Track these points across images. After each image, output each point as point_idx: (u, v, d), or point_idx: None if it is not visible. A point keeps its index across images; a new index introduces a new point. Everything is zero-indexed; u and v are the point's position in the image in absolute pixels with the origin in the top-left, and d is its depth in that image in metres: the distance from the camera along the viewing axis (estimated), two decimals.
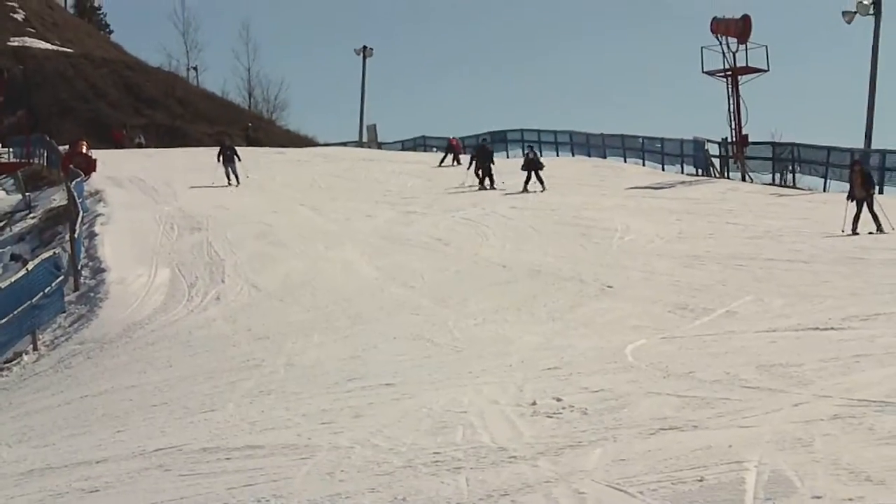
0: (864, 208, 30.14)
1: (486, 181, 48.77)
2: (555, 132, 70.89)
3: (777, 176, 50.23)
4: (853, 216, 30.02)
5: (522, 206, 42.45)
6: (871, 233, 29.94)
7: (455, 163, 56.83)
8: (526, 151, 51.17)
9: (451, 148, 56.95)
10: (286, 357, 19.02)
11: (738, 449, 9.42)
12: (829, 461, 8.80)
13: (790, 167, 50.13)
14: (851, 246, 28.08)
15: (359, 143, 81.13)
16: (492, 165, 49.74)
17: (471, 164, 50.54)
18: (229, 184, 50.19)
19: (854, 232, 29.96)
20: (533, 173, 47.67)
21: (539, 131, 72.60)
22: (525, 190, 47.03)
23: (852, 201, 30.81)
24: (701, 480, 8.69)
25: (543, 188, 46.99)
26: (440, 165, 55.96)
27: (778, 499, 8.06)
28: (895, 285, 20.57)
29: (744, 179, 51.44)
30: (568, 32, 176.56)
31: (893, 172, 46.13)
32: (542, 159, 50.66)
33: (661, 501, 8.33)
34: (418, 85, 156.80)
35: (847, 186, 33.03)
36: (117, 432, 14.72)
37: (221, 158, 51.61)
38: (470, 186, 46.94)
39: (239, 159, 51.85)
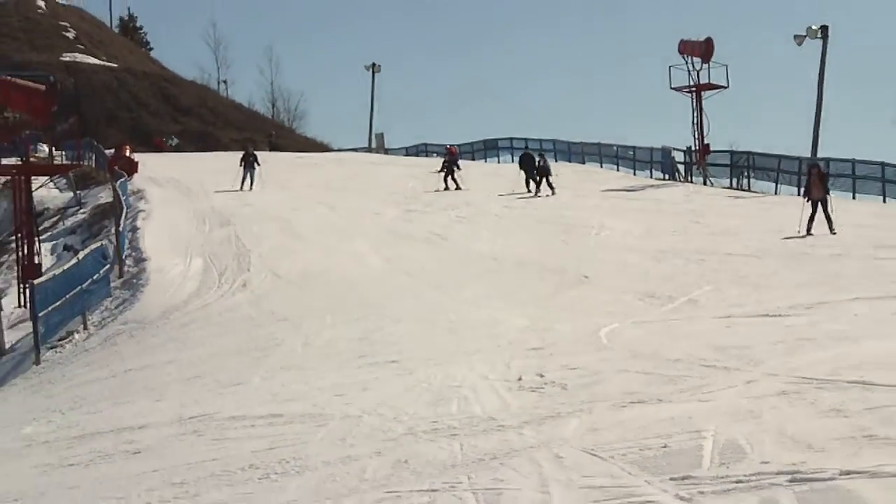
0: (819, 210, 29.57)
1: (532, 185, 46.41)
2: (540, 140, 70.64)
3: (734, 180, 50.20)
4: (808, 217, 29.42)
5: (511, 205, 42.39)
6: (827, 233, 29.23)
7: (454, 170, 55.32)
8: (537, 159, 48.46)
9: (450, 154, 56.27)
10: (304, 337, 19.01)
11: (697, 420, 9.48)
12: (776, 431, 8.85)
13: (746, 173, 50.13)
14: (799, 243, 28.07)
15: (368, 149, 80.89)
16: (535, 171, 47.07)
17: (442, 168, 49.45)
18: (242, 189, 47.67)
19: (808, 233, 29.26)
20: (544, 179, 45.72)
21: (526, 139, 72.37)
22: (536, 194, 45.45)
23: (808, 202, 30.21)
24: (665, 447, 8.75)
25: (553, 192, 45.16)
26: (441, 171, 54.93)
27: (731, 463, 8.11)
28: (835, 278, 20.60)
29: (705, 183, 51.43)
30: (555, 57, 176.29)
31: (837, 178, 46.15)
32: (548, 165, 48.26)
33: (629, 465, 8.38)
34: (420, 97, 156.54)
35: (803, 188, 32.56)
36: (157, 402, 14.75)
37: (243, 164, 49.36)
38: (465, 189, 46.37)
39: (258, 165, 49.71)
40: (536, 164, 46.59)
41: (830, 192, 30.48)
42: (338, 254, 31.20)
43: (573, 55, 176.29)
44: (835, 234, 28.91)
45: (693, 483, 7.74)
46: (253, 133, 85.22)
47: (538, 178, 45.97)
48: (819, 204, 29.36)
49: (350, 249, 31.92)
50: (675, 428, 9.31)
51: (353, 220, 38.77)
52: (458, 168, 50.41)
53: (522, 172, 47.56)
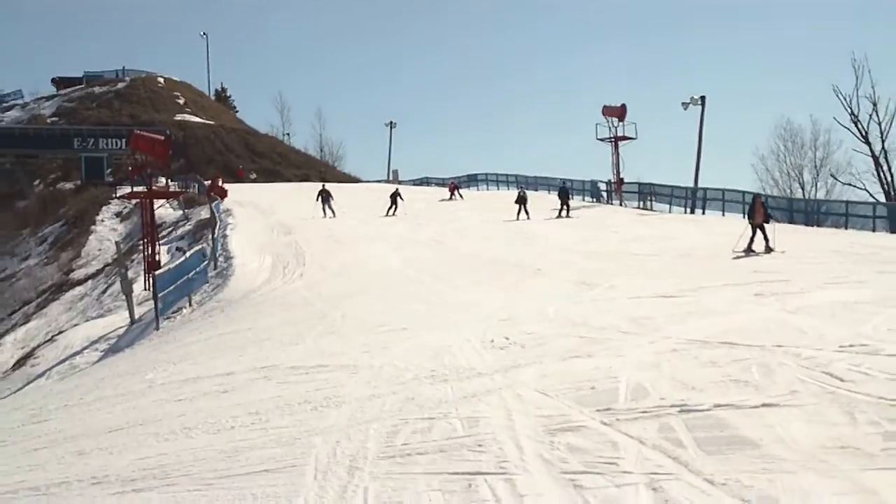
0: (759, 233, 26.02)
1: (563, 211, 42.97)
2: (506, 174, 70.68)
3: (641, 203, 50.04)
4: (749, 238, 25.90)
5: (486, 220, 42.35)
6: (763, 251, 25.56)
7: (456, 196, 55.51)
8: (518, 190, 47.86)
9: (450, 187, 56.95)
10: (342, 311, 18.95)
11: (615, 370, 9.45)
12: (670, 377, 8.83)
13: (649, 197, 50.07)
14: (685, 247, 28.04)
15: (387, 181, 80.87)
16: (569, 201, 44.15)
17: (391, 205, 46.86)
18: (325, 216, 44.52)
19: (750, 251, 25.35)
20: (522, 207, 42.83)
21: (497, 174, 72.44)
22: (517, 218, 42.05)
23: (750, 224, 26.45)
24: (593, 388, 8.73)
25: (528, 218, 41.88)
26: (450, 198, 55.10)
27: (638, 399, 8.10)
28: (711, 271, 20.58)
29: (621, 205, 51.33)
30: (521, 116, 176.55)
31: (710, 201, 46.30)
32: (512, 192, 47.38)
33: (567, 401, 8.36)
34: (424, 142, 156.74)
35: (747, 213, 28.16)
36: (239, 356, 14.71)
37: (320, 198, 45.91)
38: (444, 199, 46.02)
39: (333, 199, 46.16)
40: (518, 194, 44.90)
41: (770, 218, 26.93)
42: (366, 254, 31.26)
43: (531, 115, 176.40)
44: (772, 250, 25.28)
45: (612, 413, 7.72)
46: (308, 170, 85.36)
47: (518, 206, 43.22)
48: (758, 228, 26.11)
49: (374, 251, 31.98)
50: (600, 375, 9.28)
51: (377, 230, 38.87)
52: (460, 194, 53.10)
53: (559, 200, 44.16)
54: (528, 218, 41.88)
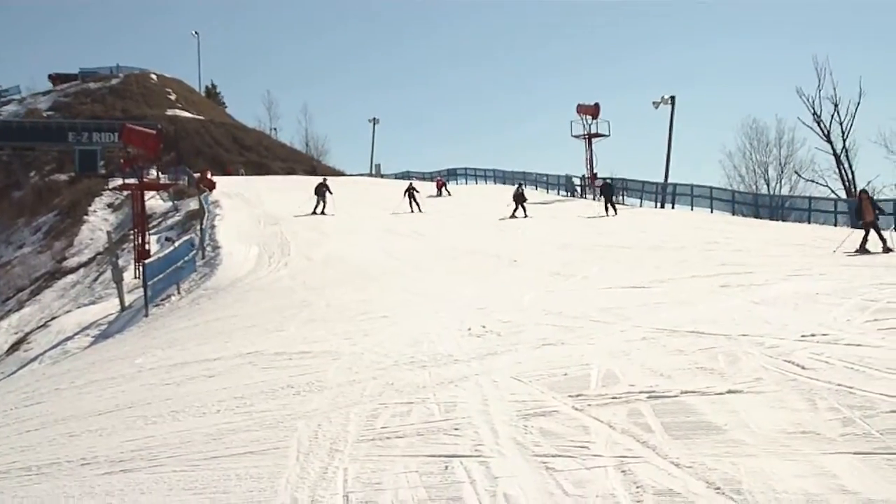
0: (871, 230, 22.91)
1: (610, 210, 40.18)
2: (485, 169, 70.71)
3: (614, 197, 50.18)
4: (862, 237, 22.65)
5: (465, 213, 42.40)
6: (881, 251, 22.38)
7: (444, 193, 53.94)
8: (517, 186, 44.81)
9: (437, 183, 55.73)
10: (326, 300, 18.94)
11: (587, 357, 9.45)
12: (639, 364, 8.84)
13: (621, 192, 50.17)
14: (656, 240, 28.12)
15: (370, 174, 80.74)
16: (614, 197, 41.91)
17: (404, 193, 45.03)
18: (315, 212, 41.93)
19: (863, 250, 22.07)
20: (520, 205, 40.15)
21: (475, 168, 72.47)
22: (513, 216, 39.50)
23: (861, 223, 23.73)
24: (565, 374, 8.73)
25: (526, 216, 39.57)
26: (438, 195, 53.05)
27: (609, 385, 8.10)
28: (680, 262, 20.62)
29: (594, 199, 51.40)
30: (499, 113, 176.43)
31: (679, 196, 46.47)
32: (524, 191, 43.48)
33: (541, 386, 8.36)
34: (405, 137, 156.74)
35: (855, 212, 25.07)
36: (226, 342, 14.67)
37: (317, 192, 43.29)
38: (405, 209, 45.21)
39: (331, 193, 43.42)
40: (516, 191, 42.02)
41: (881, 214, 23.63)
42: (349, 245, 31.24)
43: (510, 112, 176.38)
44: (890, 251, 22.08)
45: (584, 398, 7.72)
46: (294, 164, 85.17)
47: (516, 203, 40.41)
48: (871, 226, 23.07)
49: (358, 241, 31.98)
50: (572, 362, 9.28)
51: (360, 222, 38.83)
52: (448, 191, 52.35)
53: (602, 198, 41.74)
54: (526, 216, 39.60)
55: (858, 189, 26.55)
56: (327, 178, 48.92)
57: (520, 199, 40.82)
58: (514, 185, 61.44)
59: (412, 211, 43.60)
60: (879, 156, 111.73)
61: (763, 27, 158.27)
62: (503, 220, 38.82)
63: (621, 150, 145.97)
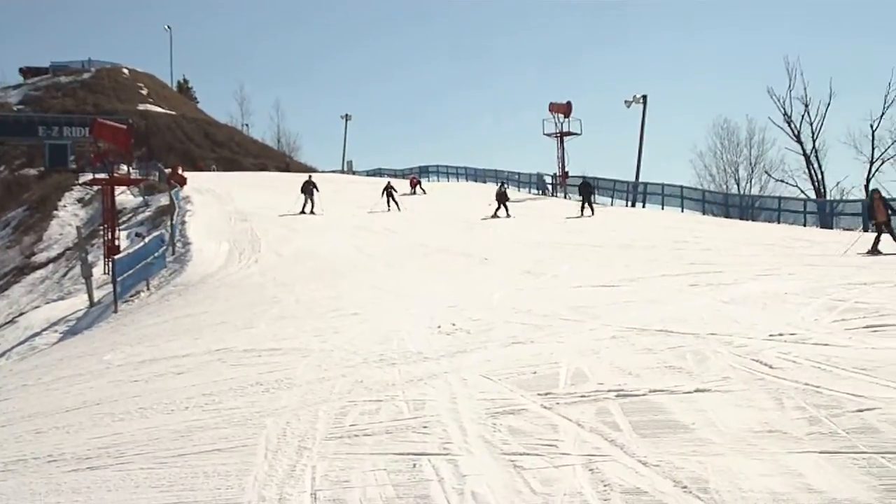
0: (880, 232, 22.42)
1: (587, 209, 39.30)
2: (456, 167, 70.80)
3: (592, 197, 50.37)
4: (875, 238, 22.10)
5: (436, 210, 42.41)
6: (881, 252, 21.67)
7: (418, 191, 53.26)
8: (499, 185, 43.99)
9: (411, 181, 54.98)
10: (295, 296, 18.89)
11: (556, 355, 9.46)
12: (608, 363, 8.86)
13: (592, 191, 50.37)
14: (626, 238, 28.21)
15: (342, 171, 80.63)
16: (591, 197, 40.68)
17: (383, 193, 44.12)
18: (303, 212, 40.94)
19: (875, 252, 21.36)
20: (502, 204, 39.33)
21: (447, 166, 72.52)
22: (496, 216, 38.53)
23: (873, 224, 23.33)
24: (534, 373, 8.73)
25: (508, 216, 38.66)
26: (412, 193, 52.44)
27: (578, 384, 8.11)
28: (650, 261, 20.69)
29: (565, 198, 51.63)
30: (471, 109, 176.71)
31: (650, 195, 46.68)
32: (507, 191, 42.92)
33: (510, 385, 8.36)
34: (377, 134, 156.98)
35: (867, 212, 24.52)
36: (195, 339, 14.61)
37: (304, 191, 42.16)
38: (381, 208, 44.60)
39: (318, 191, 42.35)
40: (498, 190, 41.23)
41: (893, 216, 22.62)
42: (320, 241, 31.20)
43: (482, 110, 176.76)
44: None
45: (553, 397, 7.73)
46: (266, 160, 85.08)
47: (498, 203, 39.57)
48: (882, 227, 22.49)
49: (329, 238, 31.95)
50: (541, 360, 9.29)
51: (332, 218, 38.76)
52: (423, 189, 52.15)
53: (582, 197, 40.70)
54: (509, 215, 38.73)
55: (871, 189, 25.67)
56: (313, 175, 47.67)
57: (502, 198, 40.09)
58: (485, 182, 61.75)
59: (389, 209, 42.82)
60: (849, 156, 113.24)
61: (735, 27, 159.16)
62: (485, 219, 38.04)
63: (593, 149, 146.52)
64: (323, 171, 79.83)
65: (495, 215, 38.86)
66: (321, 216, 39.72)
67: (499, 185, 44.96)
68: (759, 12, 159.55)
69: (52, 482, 7.01)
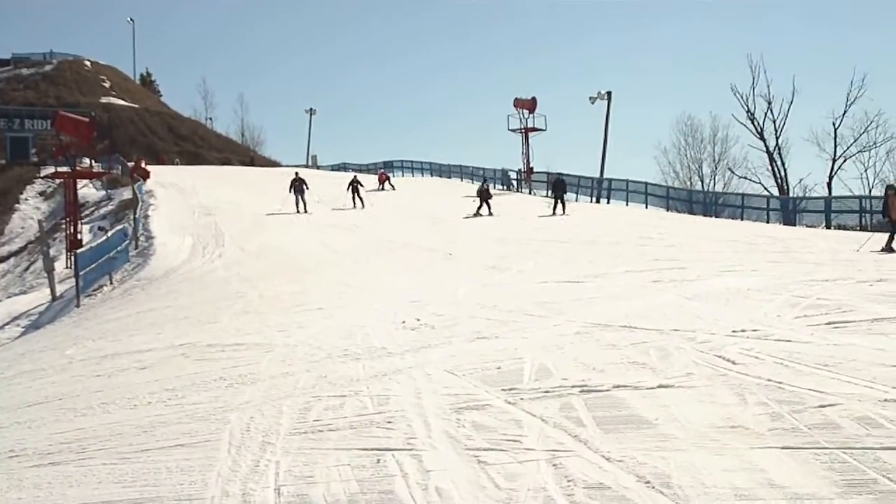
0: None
1: (559, 208, 37.86)
2: (420, 162, 70.76)
3: (549, 192, 50.42)
4: (889, 236, 21.48)
5: (401, 205, 42.36)
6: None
7: (387, 187, 52.23)
8: (482, 182, 42.67)
9: (379, 177, 54.13)
10: (259, 291, 18.82)
11: (520, 350, 9.48)
12: (572, 358, 8.89)
13: (566, 189, 50.56)
14: (590, 234, 28.31)
15: (306, 166, 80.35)
16: (564, 195, 39.05)
17: (349, 188, 42.45)
18: (298, 211, 38.94)
19: (889, 249, 20.94)
20: (485, 202, 37.90)
21: (412, 161, 72.45)
22: (478, 214, 37.13)
23: (887, 221, 22.28)
24: (499, 368, 8.75)
25: (491, 213, 37.16)
26: (380, 188, 51.45)
27: (542, 379, 8.13)
28: (614, 257, 20.78)
29: (530, 193, 51.76)
30: (434, 106, 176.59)
31: (614, 191, 46.88)
32: (490, 189, 41.77)
33: (475, 380, 8.36)
34: (341, 129, 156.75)
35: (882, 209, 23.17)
36: (158, 334, 14.52)
37: (293, 189, 40.12)
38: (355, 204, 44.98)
39: (307, 188, 40.41)
40: (481, 187, 39.90)
41: None
42: (285, 236, 31.12)
43: (447, 105, 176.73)
44: None
45: (517, 392, 7.74)
46: (230, 153, 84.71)
47: (481, 201, 38.03)
48: None
49: (293, 233, 31.88)
50: (506, 356, 9.30)
51: (295, 214, 38.64)
52: (392, 185, 51.36)
53: (554, 195, 39.46)
54: (491, 214, 37.23)
55: (886, 186, 25.34)
56: (299, 171, 45.18)
57: (485, 195, 38.66)
58: (450, 178, 61.71)
59: (355, 207, 41.10)
60: (811, 154, 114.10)
61: (698, 23, 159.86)
62: (468, 218, 36.60)
63: (557, 144, 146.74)
64: (287, 166, 79.60)
65: (478, 213, 37.47)
66: (285, 210, 39.53)
67: (481, 182, 43.48)
68: (724, 9, 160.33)
69: (14, 478, 6.94)
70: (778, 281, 13.77)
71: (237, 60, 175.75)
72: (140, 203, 40.29)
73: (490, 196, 38.98)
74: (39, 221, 43.22)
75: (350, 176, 47.72)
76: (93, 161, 58.02)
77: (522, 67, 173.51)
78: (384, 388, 8.40)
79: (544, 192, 50.14)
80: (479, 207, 37.83)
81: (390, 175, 57.74)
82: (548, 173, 53.01)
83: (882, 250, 21.11)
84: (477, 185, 43.25)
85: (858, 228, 31.75)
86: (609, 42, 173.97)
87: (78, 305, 24.13)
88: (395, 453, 6.33)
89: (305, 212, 38.89)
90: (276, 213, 39.14)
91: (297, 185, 40.27)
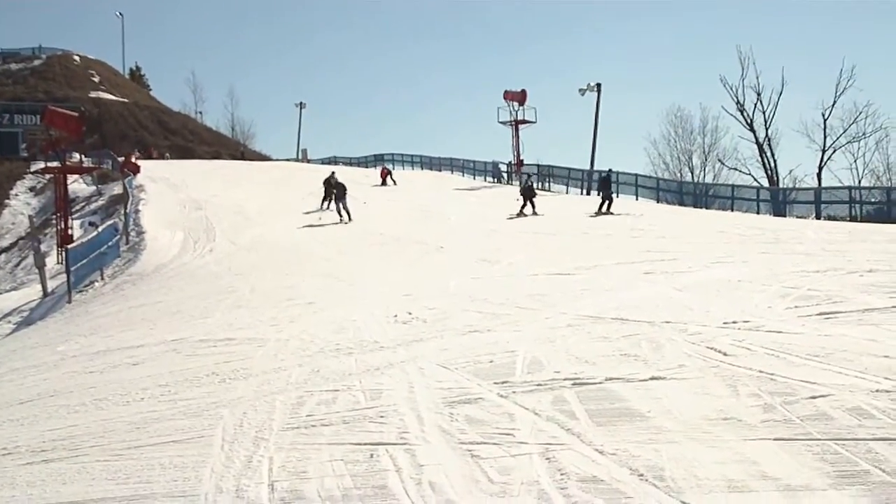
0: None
1: (605, 206, 33.06)
2: (412, 155, 70.59)
3: (540, 183, 50.27)
4: None
5: (394, 199, 42.26)
6: None
7: (389, 183, 50.29)
8: (525, 178, 38.55)
9: (381, 173, 53.26)
10: (251, 286, 18.80)
11: (512, 344, 9.49)
12: (564, 351, 8.90)
13: (547, 178, 50.44)
14: (582, 225, 28.30)
15: (297, 160, 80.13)
16: (612, 194, 33.97)
17: (328, 196, 35.77)
18: (341, 220, 32.57)
19: None
20: (529, 200, 33.34)
21: (402, 154, 72.32)
22: (521, 213, 32.91)
23: None
24: (491, 361, 8.75)
25: (535, 213, 32.95)
26: (382, 184, 49.67)
27: (534, 372, 8.14)
28: (605, 249, 20.76)
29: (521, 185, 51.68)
30: (425, 99, 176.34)
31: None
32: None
33: (467, 374, 8.37)
34: (331, 122, 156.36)
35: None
36: (150, 329, 14.50)
37: (333, 196, 34.31)
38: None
39: (348, 194, 33.71)
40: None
41: None
42: (275, 229, 31.02)
43: (438, 97, 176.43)
44: None
45: (509, 385, 7.75)
46: (220, 147, 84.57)
47: (526, 199, 33.81)
48: None
49: (283, 227, 31.75)
50: (498, 349, 9.31)
51: (286, 206, 38.52)
52: (394, 180, 50.09)
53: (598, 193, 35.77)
54: (535, 213, 33.14)
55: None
56: (333, 174, 37.69)
57: (529, 192, 34.37)
58: (440, 171, 61.58)
59: (341, 219, 32.96)
60: (801, 145, 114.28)
61: (688, 14, 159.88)
62: (511, 218, 32.63)
63: (548, 136, 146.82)
64: (278, 160, 79.42)
65: (521, 213, 33.37)
66: (276, 204, 39.42)
67: (525, 178, 39.66)
68: (713, 0, 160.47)
69: (7, 476, 6.93)
70: (769, 272, 13.80)
71: (227, 54, 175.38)
72: (130, 198, 40.20)
73: (534, 194, 34.86)
74: (30, 217, 43.17)
75: (328, 171, 42.44)
76: (83, 156, 57.86)
77: (512, 60, 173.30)
78: (377, 383, 8.41)
79: (536, 184, 50.07)
80: (523, 206, 33.74)
81: (379, 168, 57.23)
82: (538, 165, 52.96)
83: None
84: (522, 183, 39.31)
85: (848, 219, 31.83)
86: (599, 34, 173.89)
87: (69, 301, 24.07)
88: (388, 448, 6.34)
89: (350, 220, 32.72)
90: (206, 182, 38.88)
91: (339, 193, 33.71)
